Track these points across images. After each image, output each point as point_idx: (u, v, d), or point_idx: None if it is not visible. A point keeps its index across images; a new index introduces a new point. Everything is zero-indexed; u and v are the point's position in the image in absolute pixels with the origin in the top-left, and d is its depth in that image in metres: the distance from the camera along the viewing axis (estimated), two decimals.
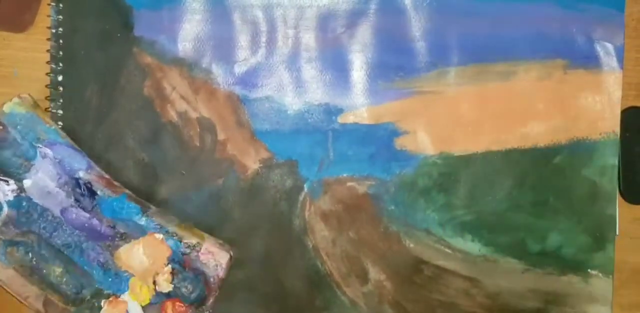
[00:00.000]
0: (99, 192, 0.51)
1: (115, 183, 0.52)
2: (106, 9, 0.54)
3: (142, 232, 0.51)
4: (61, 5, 0.54)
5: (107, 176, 0.52)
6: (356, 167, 0.56)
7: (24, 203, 0.51)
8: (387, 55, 0.55)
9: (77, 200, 0.51)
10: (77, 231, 0.51)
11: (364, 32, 0.55)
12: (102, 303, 0.51)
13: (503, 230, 0.56)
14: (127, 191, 0.52)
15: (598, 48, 0.56)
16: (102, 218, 0.51)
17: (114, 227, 0.51)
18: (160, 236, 0.51)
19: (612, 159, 0.56)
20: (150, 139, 0.55)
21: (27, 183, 0.51)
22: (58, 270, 0.51)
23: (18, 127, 0.51)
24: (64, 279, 0.51)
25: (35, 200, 0.51)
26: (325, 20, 0.55)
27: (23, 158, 0.51)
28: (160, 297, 0.51)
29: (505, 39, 0.56)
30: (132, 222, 0.51)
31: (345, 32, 0.55)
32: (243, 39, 0.55)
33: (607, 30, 0.56)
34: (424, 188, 0.56)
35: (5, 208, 0.51)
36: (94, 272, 0.51)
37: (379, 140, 0.55)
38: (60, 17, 0.54)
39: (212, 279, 0.52)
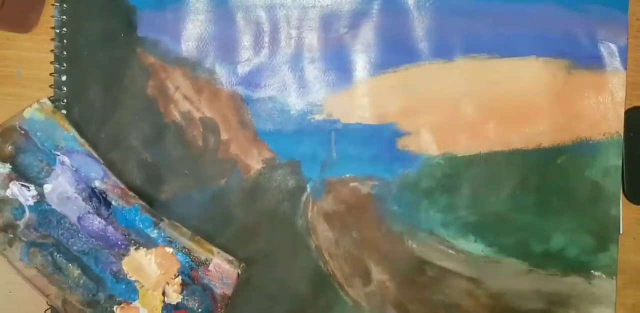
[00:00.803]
0: (113, 203, 0.52)
1: (130, 193, 0.53)
2: (110, 10, 0.54)
3: (154, 243, 0.52)
4: (65, 5, 0.54)
5: (122, 186, 0.53)
6: (359, 168, 0.56)
7: (44, 209, 0.52)
8: (390, 55, 0.55)
9: (94, 208, 0.52)
10: (92, 239, 0.52)
11: (367, 33, 0.55)
12: (115, 309, 0.52)
13: (506, 231, 0.56)
14: (141, 202, 0.53)
15: (602, 48, 0.56)
16: (117, 226, 0.52)
17: (128, 236, 0.52)
18: (170, 250, 0.52)
19: (616, 160, 0.56)
20: (153, 139, 0.55)
21: (47, 189, 0.52)
22: (76, 273, 0.52)
23: (38, 133, 0.52)
24: (81, 282, 0.52)
25: (54, 207, 0.52)
26: (328, 21, 0.55)
27: (44, 164, 0.52)
28: (169, 309, 0.52)
29: (509, 39, 0.55)
30: (145, 234, 0.52)
31: (349, 32, 0.55)
32: (246, 40, 0.55)
33: (610, 30, 0.55)
34: (427, 189, 0.56)
35: (27, 213, 0.52)
36: (107, 279, 0.52)
37: (382, 141, 0.55)
38: (65, 17, 0.54)
39: (219, 296, 0.52)
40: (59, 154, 0.52)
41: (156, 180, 0.55)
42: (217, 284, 0.52)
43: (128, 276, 0.52)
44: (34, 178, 0.52)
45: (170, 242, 0.52)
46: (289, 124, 0.55)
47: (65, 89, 0.54)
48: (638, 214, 0.57)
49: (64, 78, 0.54)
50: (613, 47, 0.56)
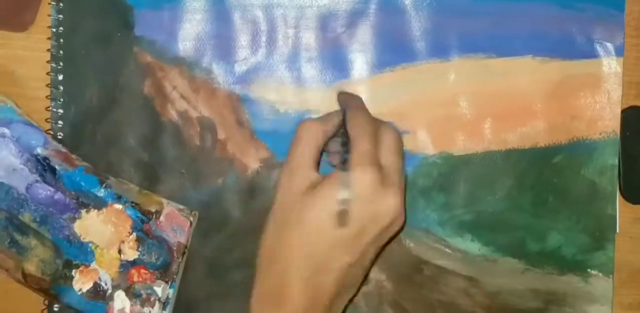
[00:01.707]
0: (57, 167, 0.52)
1: (73, 156, 0.53)
2: (107, 8, 0.54)
3: (103, 202, 0.52)
4: (62, 4, 0.54)
5: (64, 150, 0.53)
6: None
7: None
8: (386, 54, 0.55)
9: (41, 176, 0.51)
10: (42, 206, 0.52)
11: (364, 32, 0.55)
12: (73, 273, 0.52)
13: (503, 230, 0.56)
14: (85, 164, 0.53)
15: (598, 47, 0.56)
16: (65, 191, 0.52)
17: (77, 199, 0.52)
18: (119, 206, 0.52)
19: (612, 159, 0.56)
20: (150, 138, 0.55)
21: None
22: (32, 242, 0.51)
23: None
24: (37, 251, 0.51)
25: (1, 180, 0.51)
26: (325, 20, 0.55)
27: None
28: (127, 266, 0.52)
29: (505, 38, 0.56)
30: (93, 194, 0.52)
31: (346, 31, 0.55)
32: (243, 39, 0.55)
33: (606, 29, 0.56)
34: (423, 188, 0.56)
35: None
36: (62, 245, 0.52)
37: None
38: (61, 16, 0.54)
39: (174, 246, 0.52)
40: None
41: (153, 179, 0.55)
42: (170, 234, 0.52)
43: (82, 238, 0.52)
44: None
45: (119, 198, 0.52)
46: (285, 123, 0.55)
47: (61, 87, 0.54)
48: (634, 213, 0.57)
49: (60, 77, 0.54)
50: (609, 46, 0.56)
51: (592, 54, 0.56)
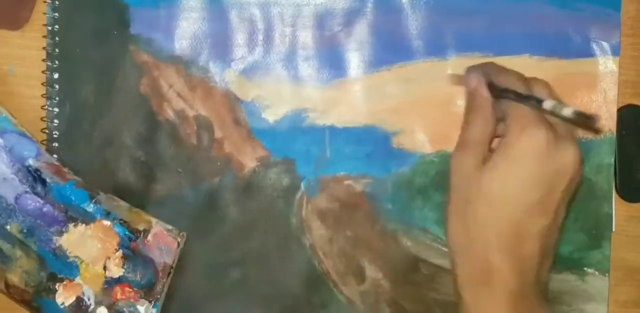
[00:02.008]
0: (48, 179, 0.51)
1: (65, 169, 0.52)
2: (102, 7, 0.54)
3: (91, 218, 0.52)
4: (57, 2, 0.53)
5: (56, 163, 0.52)
6: (353, 166, 0.56)
7: None
8: (383, 53, 0.55)
9: (31, 187, 0.51)
10: (30, 217, 0.51)
11: (361, 31, 0.55)
12: (57, 286, 0.51)
13: None
14: (76, 178, 0.52)
15: (594, 47, 0.56)
16: (54, 203, 0.51)
17: (66, 213, 0.52)
18: (108, 222, 0.52)
19: (608, 158, 0.56)
20: (146, 137, 0.55)
21: None
22: (17, 253, 0.51)
23: None
24: (22, 262, 0.51)
25: None
26: (322, 19, 0.55)
27: None
28: (111, 283, 0.52)
29: (502, 38, 0.56)
30: (82, 209, 0.52)
31: (343, 30, 0.55)
32: (240, 37, 0.55)
33: (603, 28, 0.56)
34: (421, 187, 0.56)
35: None
36: (47, 257, 0.51)
37: (376, 139, 0.55)
38: (56, 14, 0.53)
39: (160, 266, 0.52)
40: None
41: (149, 178, 0.55)
42: (157, 254, 0.52)
43: (68, 252, 0.51)
44: None
45: (108, 215, 0.52)
46: (283, 122, 0.55)
47: (57, 86, 0.54)
48: (630, 211, 0.58)
49: (56, 75, 0.54)
50: (605, 45, 0.56)
51: (589, 53, 0.56)
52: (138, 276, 0.52)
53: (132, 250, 0.52)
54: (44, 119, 0.54)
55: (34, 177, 0.51)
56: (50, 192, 0.51)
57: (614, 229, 0.56)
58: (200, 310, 0.55)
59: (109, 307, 0.51)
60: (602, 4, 0.56)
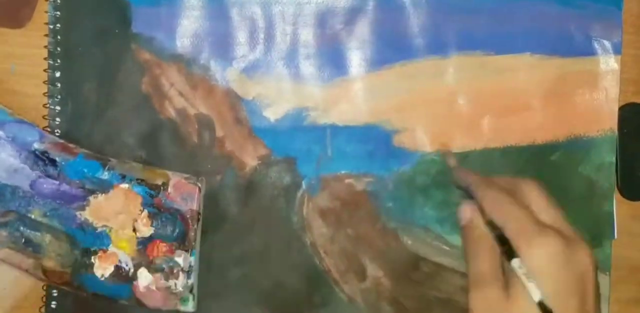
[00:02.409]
0: (57, 158, 0.52)
1: (71, 145, 0.53)
2: (104, 5, 0.54)
3: (109, 185, 0.52)
4: (59, 1, 0.53)
5: (61, 141, 0.53)
6: (354, 164, 0.56)
7: None
8: (385, 51, 0.55)
9: (42, 171, 0.52)
10: (49, 200, 0.52)
11: (363, 29, 0.55)
12: (92, 260, 0.52)
13: None
14: (83, 150, 0.52)
15: (596, 45, 0.56)
16: (70, 181, 0.52)
17: (83, 187, 0.52)
18: (126, 185, 0.52)
19: (609, 156, 0.56)
20: (148, 135, 0.55)
21: None
22: (47, 238, 0.52)
23: None
24: (55, 246, 0.52)
25: (4, 182, 0.51)
26: (323, 17, 0.55)
27: None
28: (144, 242, 0.52)
29: (503, 35, 0.56)
30: (97, 179, 0.52)
31: (344, 28, 0.55)
32: (241, 36, 0.55)
33: (604, 26, 0.56)
34: (422, 185, 0.56)
35: None
36: (76, 234, 0.52)
37: (377, 137, 0.55)
38: (58, 13, 0.54)
39: (187, 214, 0.52)
40: None
41: None
42: (181, 203, 0.52)
43: (95, 224, 0.52)
44: None
45: (124, 178, 0.52)
46: (284, 120, 0.55)
47: (58, 84, 0.54)
48: (631, 210, 0.58)
49: (58, 74, 0.54)
50: (607, 43, 0.56)
51: (590, 52, 0.56)
52: (168, 230, 0.52)
53: (156, 206, 0.52)
54: (46, 117, 0.54)
55: (43, 160, 0.51)
56: (62, 170, 0.52)
57: (615, 228, 0.56)
58: (202, 308, 0.55)
59: (147, 267, 0.52)
60: (603, 1, 0.56)
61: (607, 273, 0.56)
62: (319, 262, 0.56)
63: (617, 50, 0.56)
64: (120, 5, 0.54)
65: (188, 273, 0.52)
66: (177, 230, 0.52)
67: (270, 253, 0.56)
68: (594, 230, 0.56)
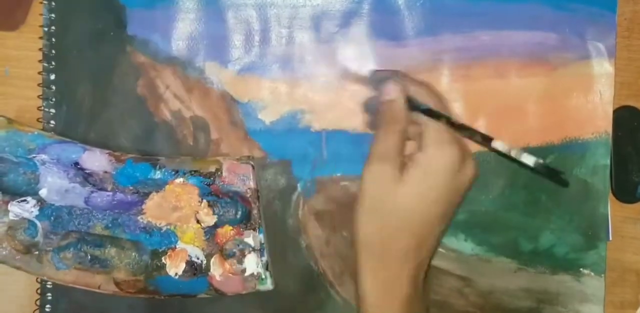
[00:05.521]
0: (107, 169, 0.52)
1: (117, 153, 0.53)
2: (99, 8, 0.54)
3: (163, 183, 0.52)
4: (54, 3, 0.53)
5: (106, 151, 0.53)
6: (349, 167, 0.56)
7: (50, 211, 0.52)
8: (380, 54, 0.55)
9: (93, 185, 0.52)
10: (107, 211, 0.52)
11: (358, 32, 0.55)
12: (163, 260, 0.52)
13: (496, 230, 0.56)
14: (130, 155, 0.53)
15: (590, 48, 0.56)
16: (123, 189, 0.52)
17: (137, 192, 0.52)
18: (180, 180, 0.52)
19: (604, 159, 0.56)
20: (143, 138, 0.55)
21: (43, 193, 0.52)
22: (112, 251, 0.52)
23: (6, 149, 0.52)
24: (121, 257, 0.52)
25: (59, 204, 0.52)
26: (319, 20, 0.55)
27: (28, 173, 0.52)
28: (211, 231, 0.53)
29: (497, 38, 0.56)
30: (150, 180, 0.52)
31: (339, 31, 0.55)
32: (237, 38, 0.55)
33: (598, 30, 0.56)
34: None
35: (38, 224, 0.52)
36: (142, 239, 0.52)
37: (371, 140, 0.55)
38: (53, 15, 0.54)
39: (246, 193, 0.53)
40: (34, 155, 0.52)
41: None
42: (238, 184, 0.53)
43: (158, 224, 0.52)
44: (26, 191, 0.52)
45: (177, 173, 0.53)
46: (279, 123, 0.55)
47: (53, 87, 0.54)
48: (626, 212, 0.58)
49: (52, 76, 0.54)
50: (601, 46, 0.56)
51: (584, 55, 0.56)
52: (231, 214, 0.52)
53: (214, 194, 0.52)
54: (40, 120, 0.54)
55: (92, 175, 0.52)
56: (114, 180, 0.52)
57: (610, 230, 0.56)
58: (198, 310, 0.55)
59: (219, 255, 0.52)
60: (597, 5, 0.56)
61: (602, 275, 0.56)
62: (314, 264, 0.56)
63: (611, 53, 0.56)
64: (115, 7, 0.54)
65: (260, 251, 0.53)
66: (239, 212, 0.52)
67: None
68: (588, 233, 0.56)
